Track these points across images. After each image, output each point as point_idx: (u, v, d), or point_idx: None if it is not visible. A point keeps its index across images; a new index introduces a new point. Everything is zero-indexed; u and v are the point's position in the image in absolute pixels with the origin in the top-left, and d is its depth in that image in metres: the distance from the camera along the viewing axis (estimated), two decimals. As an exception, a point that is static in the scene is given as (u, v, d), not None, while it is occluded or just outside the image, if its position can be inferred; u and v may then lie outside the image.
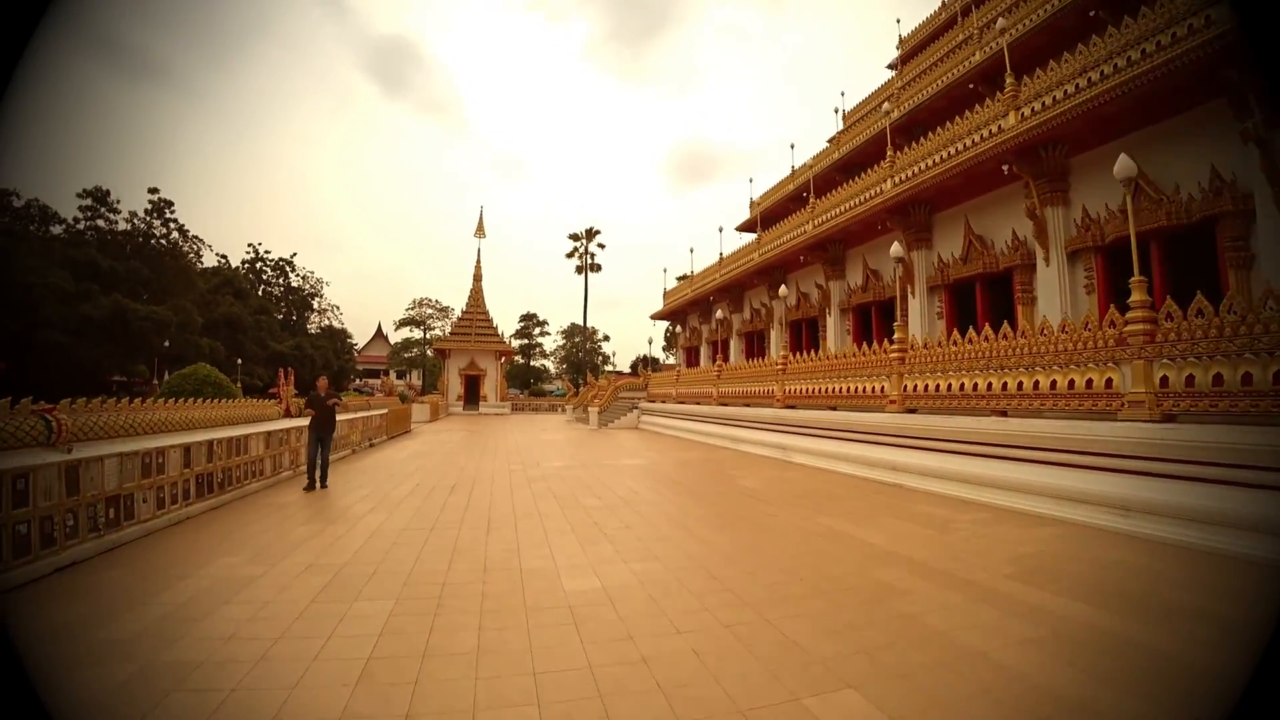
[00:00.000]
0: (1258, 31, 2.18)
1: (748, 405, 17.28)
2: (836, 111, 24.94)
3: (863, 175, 18.33)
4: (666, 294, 34.81)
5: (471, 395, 40.95)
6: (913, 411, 11.00)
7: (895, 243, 12.85)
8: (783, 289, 17.02)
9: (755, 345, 26.27)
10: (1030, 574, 5.18)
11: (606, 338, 73.41)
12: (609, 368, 64.64)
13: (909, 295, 16.97)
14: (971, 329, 10.28)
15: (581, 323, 57.79)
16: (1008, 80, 13.20)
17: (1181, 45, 9.83)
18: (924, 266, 16.60)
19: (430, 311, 68.62)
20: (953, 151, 14.41)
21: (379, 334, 77.90)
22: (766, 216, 25.57)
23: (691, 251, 30.69)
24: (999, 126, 13.29)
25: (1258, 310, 6.65)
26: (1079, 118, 11.59)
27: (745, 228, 29.49)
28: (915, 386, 11.04)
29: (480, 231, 42.47)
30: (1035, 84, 12.65)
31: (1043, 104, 12.35)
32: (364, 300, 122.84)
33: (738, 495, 9.42)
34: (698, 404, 21.01)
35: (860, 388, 12.47)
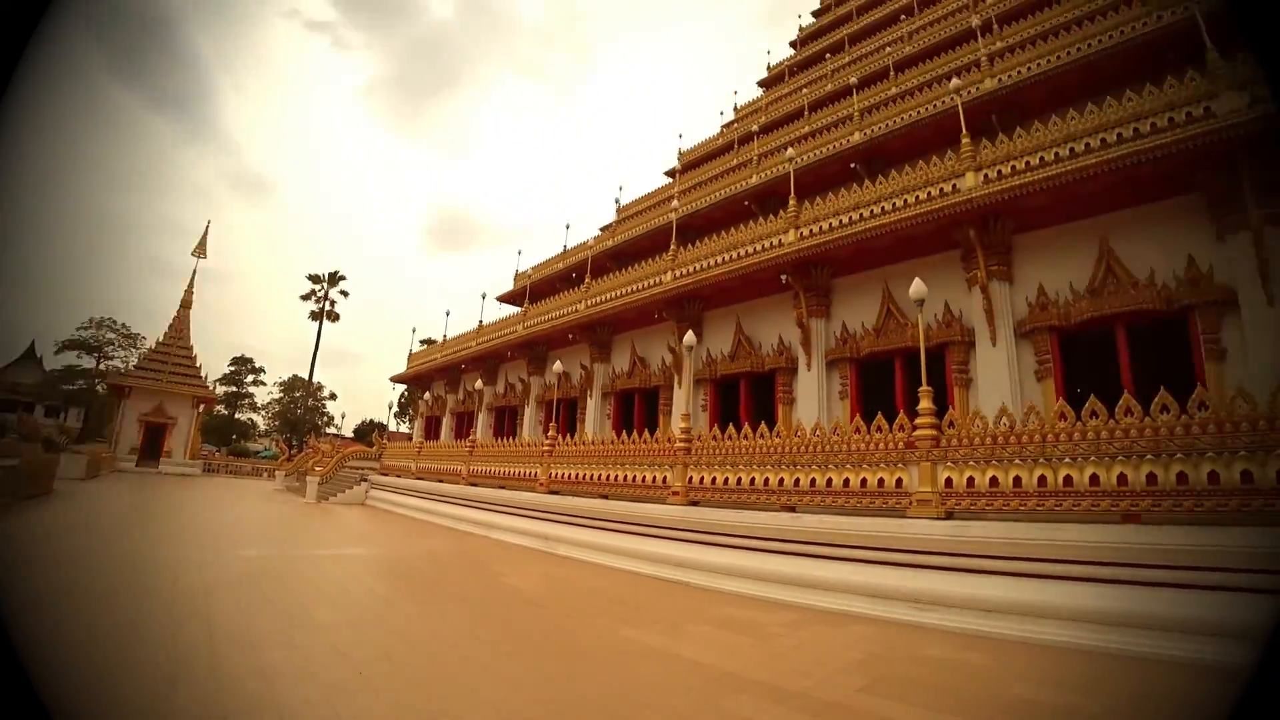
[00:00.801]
0: (1259, 31, 2.21)
1: (503, 488, 15.87)
2: (616, 202, 26.34)
3: (637, 265, 19.22)
4: (412, 356, 31.65)
5: (151, 449, 32.03)
6: (695, 504, 10.89)
7: (688, 332, 13.13)
8: (557, 364, 16.41)
9: (507, 422, 24.90)
10: (879, 684, 5.00)
11: (333, 396, 64.02)
12: (332, 430, 56.15)
13: (676, 385, 17.62)
14: (762, 425, 10.71)
15: (307, 376, 49.46)
16: (791, 202, 15.01)
17: (929, 205, 12.19)
18: (693, 358, 17.42)
19: (112, 336, 52.42)
20: (735, 255, 15.74)
21: (29, 355, 55.17)
22: (535, 291, 25.16)
23: (448, 314, 28.63)
24: (779, 240, 14.89)
25: (1023, 423, 7.84)
26: (844, 246, 13.52)
27: (509, 299, 28.75)
28: (701, 479, 11.00)
29: (201, 250, 35.31)
30: (813, 210, 14.57)
31: (819, 228, 14.22)
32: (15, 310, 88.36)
33: (515, 602, 7.92)
34: (442, 481, 18.89)
35: (639, 477, 12.15)
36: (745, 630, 6.79)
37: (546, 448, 14.79)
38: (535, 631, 6.48)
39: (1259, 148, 9.17)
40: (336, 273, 48.36)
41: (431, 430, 30.03)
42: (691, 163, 24.27)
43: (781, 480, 9.89)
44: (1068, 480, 7.30)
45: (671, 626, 6.82)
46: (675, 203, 19.19)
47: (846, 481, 9.20)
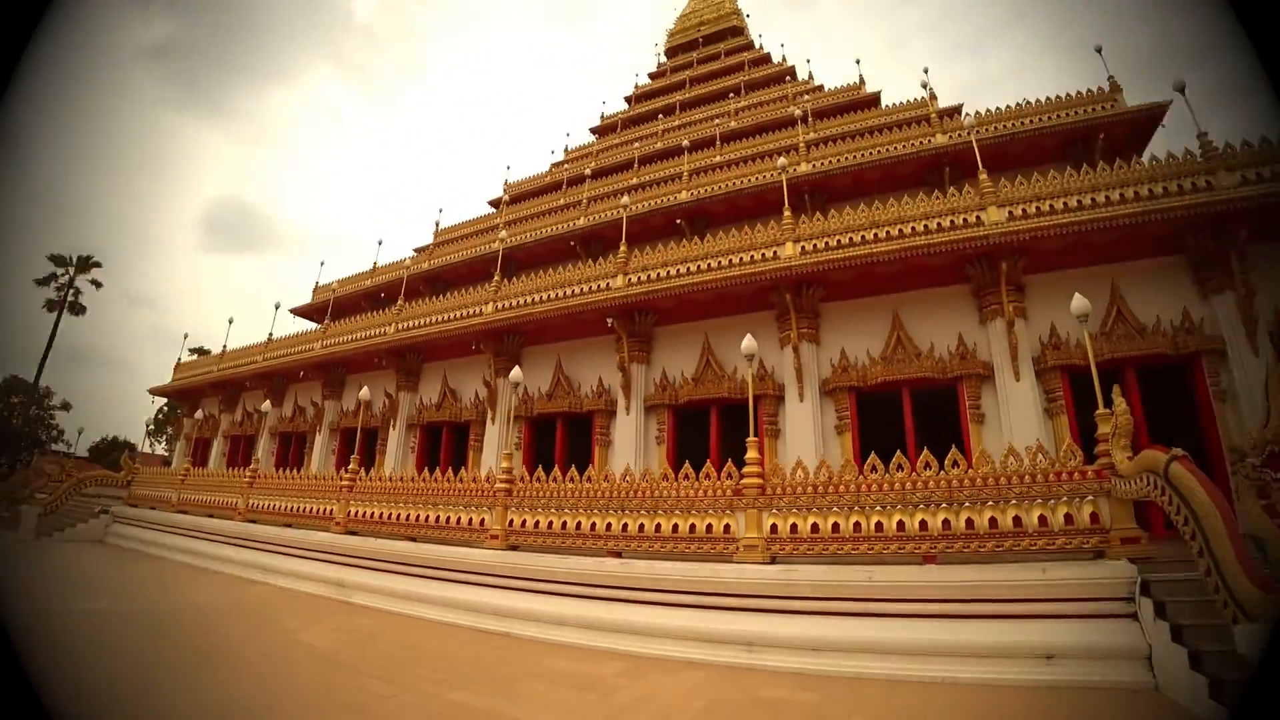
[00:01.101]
0: (1259, 32, 2.29)
1: (290, 526, 13.58)
2: (436, 224, 24.80)
3: (455, 292, 18.19)
4: (181, 366, 26.17)
5: None
6: (516, 549, 10.23)
7: (515, 369, 12.55)
8: (364, 390, 14.46)
9: (294, 449, 21.63)
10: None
11: (66, 405, 49.67)
12: (61, 447, 43.81)
13: (489, 421, 16.68)
14: (590, 468, 10.54)
15: (33, 378, 37.96)
16: (622, 248, 15.24)
17: (753, 267, 13.14)
18: (509, 395, 16.67)
19: None
20: (563, 293, 15.48)
21: None
22: (338, 307, 22.51)
23: (230, 322, 23.98)
24: (608, 284, 14.96)
25: (840, 474, 8.48)
26: (670, 296, 14.03)
27: (306, 313, 25.41)
28: (523, 522, 10.38)
29: None
30: (642, 258, 14.91)
31: (647, 276, 14.55)
32: None
33: (313, 663, 6.57)
34: (213, 516, 15.83)
35: (454, 518, 11.19)
36: (583, 685, 6.30)
37: (346, 483, 12.95)
38: (343, 701, 5.29)
39: (1012, 253, 11.37)
40: (90, 258, 38.91)
41: (199, 455, 24.92)
42: (518, 195, 23.89)
43: (609, 525, 9.59)
44: (879, 526, 7.97)
45: (502, 685, 6.09)
46: (503, 233, 18.56)
47: (675, 527, 9.18)
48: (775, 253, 13.36)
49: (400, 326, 18.35)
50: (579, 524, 9.82)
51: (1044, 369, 11.47)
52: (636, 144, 22.72)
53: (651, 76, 27.81)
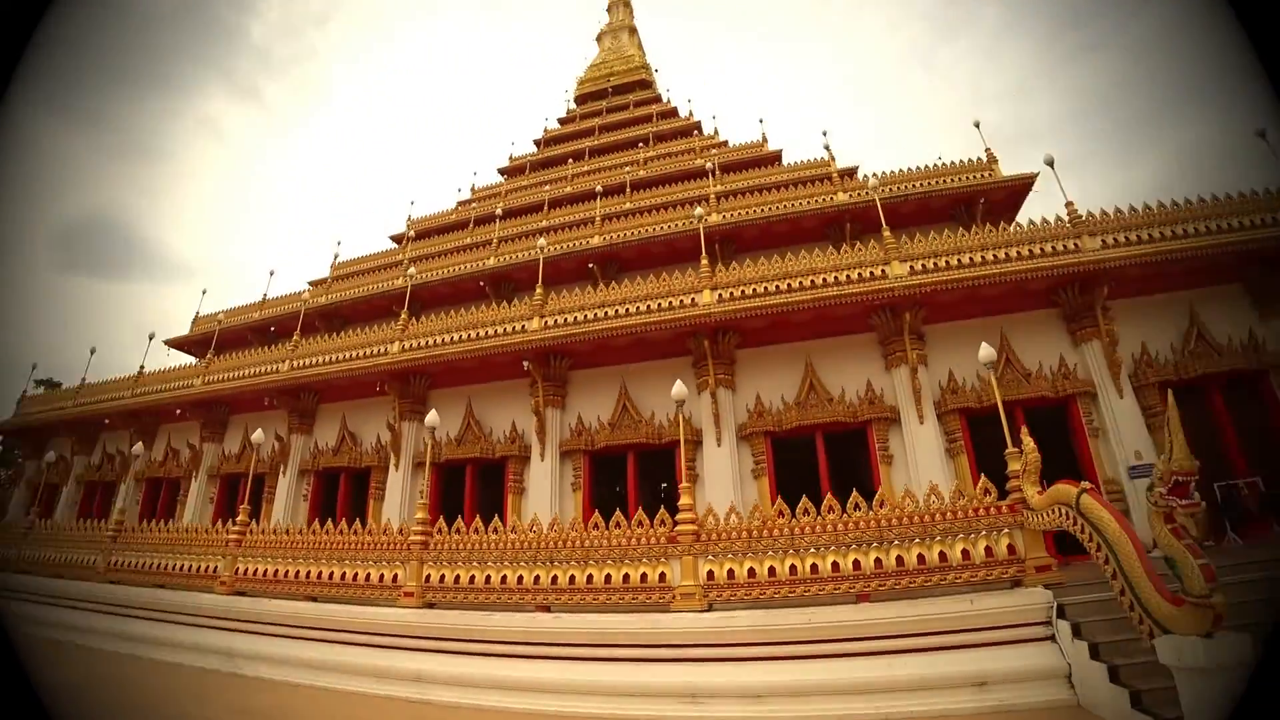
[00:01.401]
0: (1260, 32, 2.33)
1: (163, 586, 11.90)
2: (335, 257, 23.36)
3: (356, 329, 17.22)
4: (28, 400, 22.48)
5: None
6: (433, 606, 9.59)
7: (432, 412, 11.89)
8: (258, 433, 13.14)
9: (164, 497, 19.33)
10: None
11: None
12: None
13: (392, 467, 15.69)
14: (496, 518, 10.08)
15: None
16: (537, 290, 15.07)
17: (671, 314, 13.43)
18: (414, 440, 15.84)
19: None
20: (476, 334, 15.03)
21: None
22: (223, 340, 20.50)
23: (92, 353, 20.86)
24: (524, 326, 14.70)
25: (773, 518, 8.62)
26: (587, 340, 13.99)
27: (183, 345, 22.89)
28: (441, 577, 9.73)
29: None
30: (559, 301, 14.82)
31: (563, 319, 14.46)
32: None
33: None
34: (61, 578, 13.71)
35: (362, 575, 10.24)
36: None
37: (234, 536, 11.60)
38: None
39: (914, 305, 12.35)
40: None
41: (45, 504, 21.24)
42: (423, 232, 23.11)
43: (537, 578, 9.18)
44: (814, 568, 8.14)
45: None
46: (412, 269, 17.86)
47: (608, 577, 8.91)
48: (694, 299, 13.69)
49: (295, 364, 17.00)
50: (504, 578, 9.32)
51: (944, 412, 12.42)
52: (547, 186, 22.76)
53: (561, 121, 28.25)
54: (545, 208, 21.78)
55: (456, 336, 15.31)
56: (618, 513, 9.44)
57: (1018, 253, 11.99)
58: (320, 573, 10.53)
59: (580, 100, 29.01)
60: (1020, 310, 12.57)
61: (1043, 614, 7.29)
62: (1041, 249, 11.93)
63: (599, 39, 32.06)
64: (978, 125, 16.11)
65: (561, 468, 14.47)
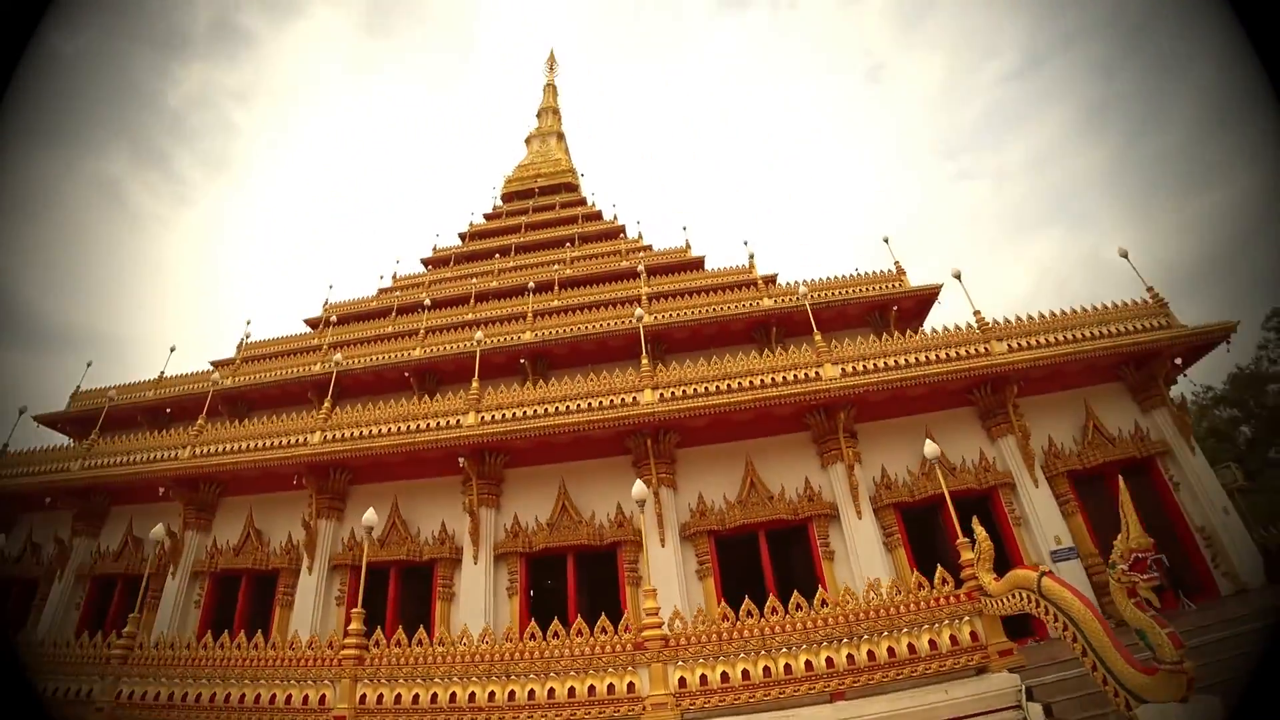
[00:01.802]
0: (1261, 33, 2.32)
1: None
2: (246, 336, 21.73)
3: (267, 416, 16.13)
4: None
5: None
6: None
7: (369, 511, 11.16)
8: (158, 528, 11.54)
9: (16, 601, 16.36)
10: None
11: None
12: None
13: (304, 570, 14.39)
14: (464, 627, 9.46)
15: None
16: (474, 384, 14.86)
17: (614, 412, 13.66)
18: (331, 540, 14.67)
19: None
20: (407, 427, 14.45)
21: None
22: (111, 420, 18.30)
23: None
24: (459, 420, 14.33)
25: (755, 616, 8.60)
26: (525, 438, 13.83)
27: (57, 423, 20.12)
28: (380, 696, 8.98)
29: None
30: (496, 396, 14.63)
31: (500, 415, 14.27)
32: None
33: None
34: None
35: (281, 697, 9.21)
36: None
37: (118, 653, 9.90)
38: None
39: (847, 404, 13.22)
40: None
41: None
42: (342, 318, 22.18)
43: (492, 694, 8.56)
44: (788, 668, 8.14)
45: None
46: (338, 355, 17.08)
47: (572, 690, 8.45)
48: (635, 398, 13.94)
49: (199, 450, 15.48)
50: (453, 695, 8.57)
51: (880, 507, 13.08)
52: (474, 280, 22.78)
53: (487, 217, 28.78)
54: (472, 300, 21.76)
55: (386, 429, 14.64)
56: (579, 620, 9.06)
57: (937, 355, 13.31)
58: (229, 695, 9.17)
59: (507, 198, 29.86)
60: (942, 409, 13.77)
61: (1013, 698, 7.60)
62: (957, 353, 13.32)
63: (527, 141, 33.64)
64: (886, 240, 18.08)
65: (496, 571, 13.75)
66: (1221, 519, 11.78)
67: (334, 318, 21.87)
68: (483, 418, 14.35)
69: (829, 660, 8.10)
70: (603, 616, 9.08)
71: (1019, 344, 13.24)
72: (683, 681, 8.23)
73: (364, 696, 8.79)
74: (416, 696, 8.66)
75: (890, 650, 8.12)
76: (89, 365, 20.56)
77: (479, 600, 13.25)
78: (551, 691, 8.42)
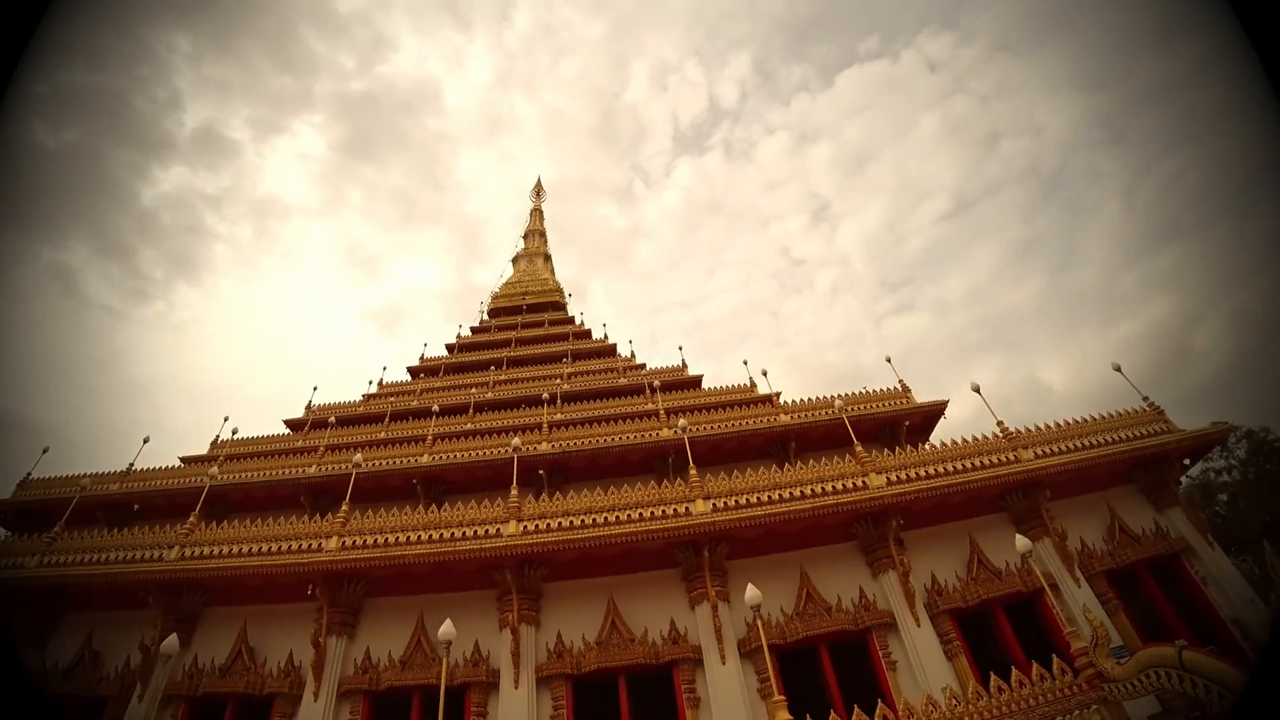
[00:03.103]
0: (1261, 33, 2.34)
1: None
2: (234, 432, 20.39)
3: (252, 520, 15.28)
4: None
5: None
6: None
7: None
8: (170, 639, 10.31)
9: None
10: None
11: None
12: None
13: (310, 696, 13.08)
14: None
15: None
16: (514, 491, 14.71)
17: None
18: (340, 662, 13.61)
19: None
20: (441, 535, 14.04)
21: None
22: (79, 512, 16.39)
23: None
24: (499, 529, 14.06)
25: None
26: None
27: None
28: None
29: None
30: (538, 506, 14.47)
31: (545, 525, 14.08)
32: None
33: None
34: None
35: None
36: None
37: None
38: None
39: (897, 513, 13.96)
40: None
41: None
42: (325, 421, 21.42)
43: None
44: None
45: None
46: (358, 456, 16.36)
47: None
48: (687, 508, 13.97)
49: (189, 551, 14.24)
50: None
51: (749, 651, 13.01)
52: (473, 390, 22.88)
53: (474, 330, 29.43)
54: (471, 411, 21.68)
55: (415, 536, 14.02)
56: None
57: (973, 464, 14.48)
58: None
59: (494, 313, 30.62)
60: (977, 515, 14.74)
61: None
62: (990, 460, 14.53)
63: (514, 261, 35.12)
64: (889, 360, 19.86)
65: (539, 696, 12.92)
66: (1250, 611, 12.99)
67: (331, 419, 21.20)
68: (525, 527, 14.07)
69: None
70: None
71: (1044, 450, 14.67)
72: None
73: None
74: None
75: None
76: (45, 451, 18.45)
77: (521, 731, 12.30)
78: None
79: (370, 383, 24.58)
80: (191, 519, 15.19)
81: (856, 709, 8.91)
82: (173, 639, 10.55)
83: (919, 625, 13.22)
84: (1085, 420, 15.52)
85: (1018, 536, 11.33)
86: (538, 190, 38.45)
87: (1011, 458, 14.58)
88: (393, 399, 23.33)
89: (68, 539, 15.11)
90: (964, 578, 13.85)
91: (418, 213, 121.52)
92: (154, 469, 19.41)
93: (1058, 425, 15.41)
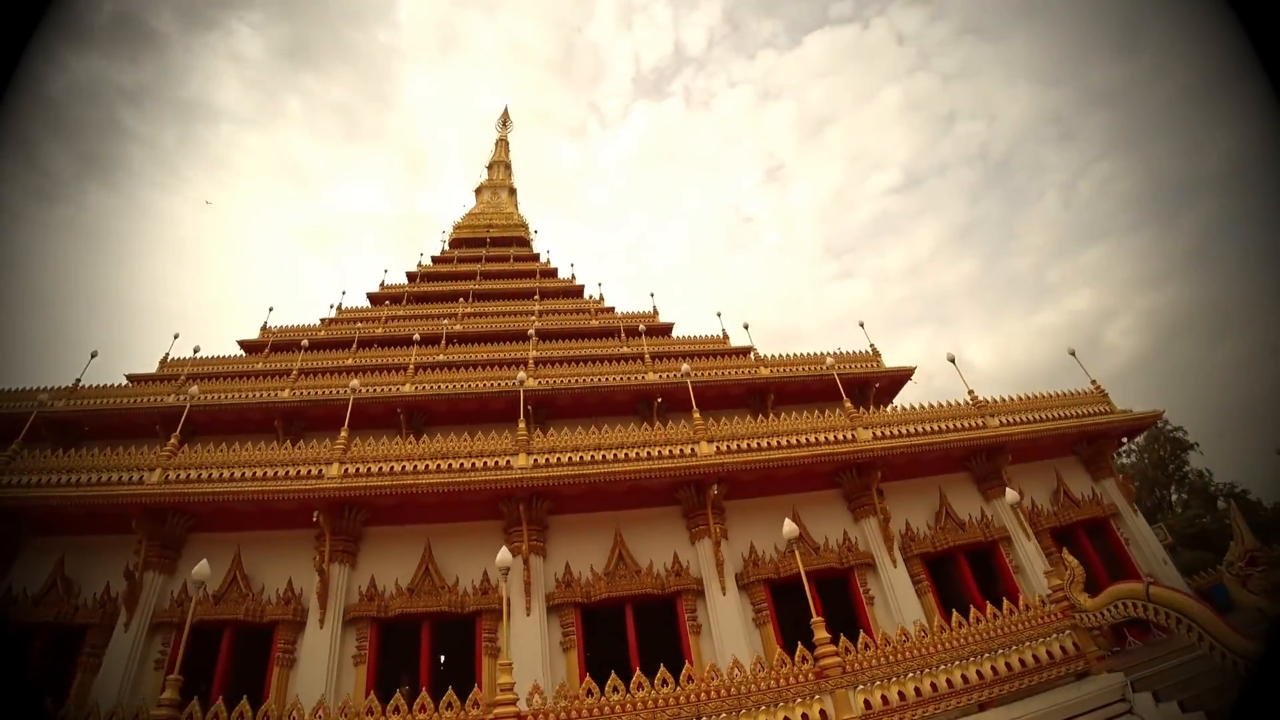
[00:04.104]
0: (1261, 33, 2.41)
1: None
2: (197, 350, 19.29)
3: (220, 444, 15.17)
4: None
5: None
6: None
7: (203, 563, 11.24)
8: (201, 566, 10.30)
9: None
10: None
11: None
12: None
13: (315, 624, 13.49)
14: None
15: None
16: (521, 424, 15.34)
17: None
18: (344, 589, 14.04)
19: None
20: (449, 465, 14.52)
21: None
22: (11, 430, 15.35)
23: None
24: (509, 461, 14.68)
25: (916, 635, 10.32)
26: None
27: None
28: None
29: None
30: (547, 440, 15.26)
31: (555, 459, 14.88)
32: None
33: None
34: None
35: None
36: None
37: None
38: None
39: (879, 465, 15.77)
40: None
41: None
42: (285, 344, 20.71)
43: None
44: (949, 682, 9.89)
45: None
46: (355, 381, 16.25)
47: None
48: (693, 449, 15.22)
49: (171, 475, 14.03)
50: None
51: (747, 584, 14.55)
52: (445, 320, 22.70)
53: (434, 260, 28.71)
54: (443, 342, 21.69)
55: (424, 466, 14.42)
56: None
57: (944, 426, 16.48)
58: None
59: (455, 244, 30.04)
60: (947, 472, 16.87)
61: (1120, 692, 10.09)
62: (960, 424, 16.58)
63: (478, 191, 34.23)
64: (862, 325, 21.71)
65: (549, 623, 13.89)
66: (1163, 569, 15.90)
67: (305, 342, 20.57)
68: (535, 460, 14.75)
69: (978, 673, 10.05)
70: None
71: (1008, 419, 16.93)
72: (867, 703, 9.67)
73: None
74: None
75: (1021, 661, 10.28)
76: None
77: (535, 655, 13.19)
78: None
79: (332, 307, 23.92)
80: (173, 440, 14.82)
81: (842, 638, 10.32)
82: (204, 565, 10.41)
83: (895, 566, 15.19)
84: (1042, 395, 17.94)
85: (1007, 490, 13.33)
86: (504, 120, 37.45)
87: (980, 423, 16.72)
88: (359, 325, 22.83)
89: (28, 459, 14.34)
90: (933, 527, 15.96)
91: (361, 131, 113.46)
92: (106, 386, 18.35)
93: (1019, 398, 17.72)
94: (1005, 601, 11.15)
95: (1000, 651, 10.34)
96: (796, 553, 11.61)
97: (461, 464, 14.54)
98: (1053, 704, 9.73)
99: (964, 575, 15.50)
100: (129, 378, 19.82)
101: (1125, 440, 18.49)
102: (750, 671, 9.60)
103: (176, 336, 19.79)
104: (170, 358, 20.48)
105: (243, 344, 21.86)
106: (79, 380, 18.31)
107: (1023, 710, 9.65)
